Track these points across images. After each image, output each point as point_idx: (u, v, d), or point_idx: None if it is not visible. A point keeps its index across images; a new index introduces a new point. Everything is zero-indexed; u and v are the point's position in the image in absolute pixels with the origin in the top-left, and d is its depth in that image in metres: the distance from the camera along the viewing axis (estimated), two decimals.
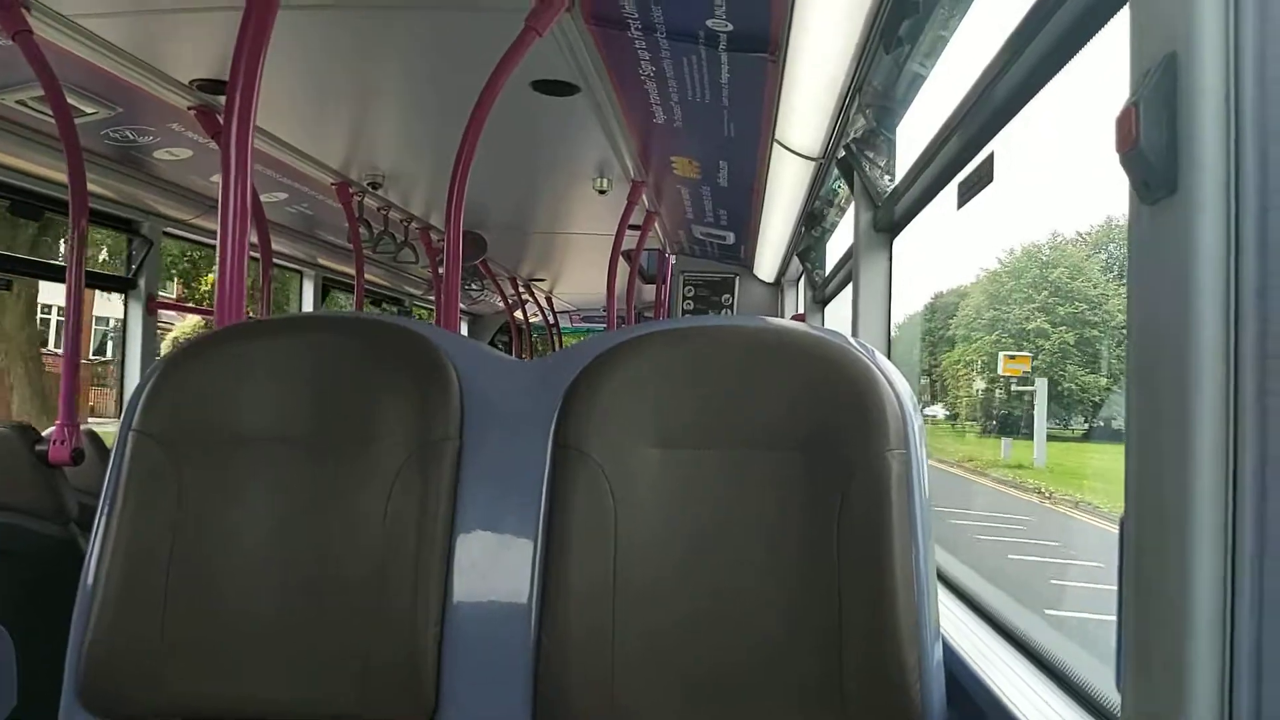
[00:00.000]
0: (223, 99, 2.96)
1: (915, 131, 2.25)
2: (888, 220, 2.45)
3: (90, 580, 1.31)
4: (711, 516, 1.30)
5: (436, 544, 1.29)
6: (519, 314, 9.34)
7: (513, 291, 8.53)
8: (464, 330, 10.26)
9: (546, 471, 1.31)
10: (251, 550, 1.33)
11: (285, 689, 1.29)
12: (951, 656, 1.37)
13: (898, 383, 1.30)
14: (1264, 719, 0.72)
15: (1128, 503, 0.84)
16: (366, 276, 4.97)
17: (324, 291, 6.01)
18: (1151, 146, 0.77)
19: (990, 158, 1.59)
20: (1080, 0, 1.15)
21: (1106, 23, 1.15)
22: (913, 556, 1.23)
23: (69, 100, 2.90)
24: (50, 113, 2.70)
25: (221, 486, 1.35)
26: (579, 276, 7.86)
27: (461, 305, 9.58)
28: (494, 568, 1.30)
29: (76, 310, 2.79)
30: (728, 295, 6.30)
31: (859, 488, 1.25)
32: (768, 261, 5.57)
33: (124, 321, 3.92)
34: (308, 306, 5.93)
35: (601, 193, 4.29)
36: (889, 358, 2.59)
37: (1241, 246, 0.73)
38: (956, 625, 1.58)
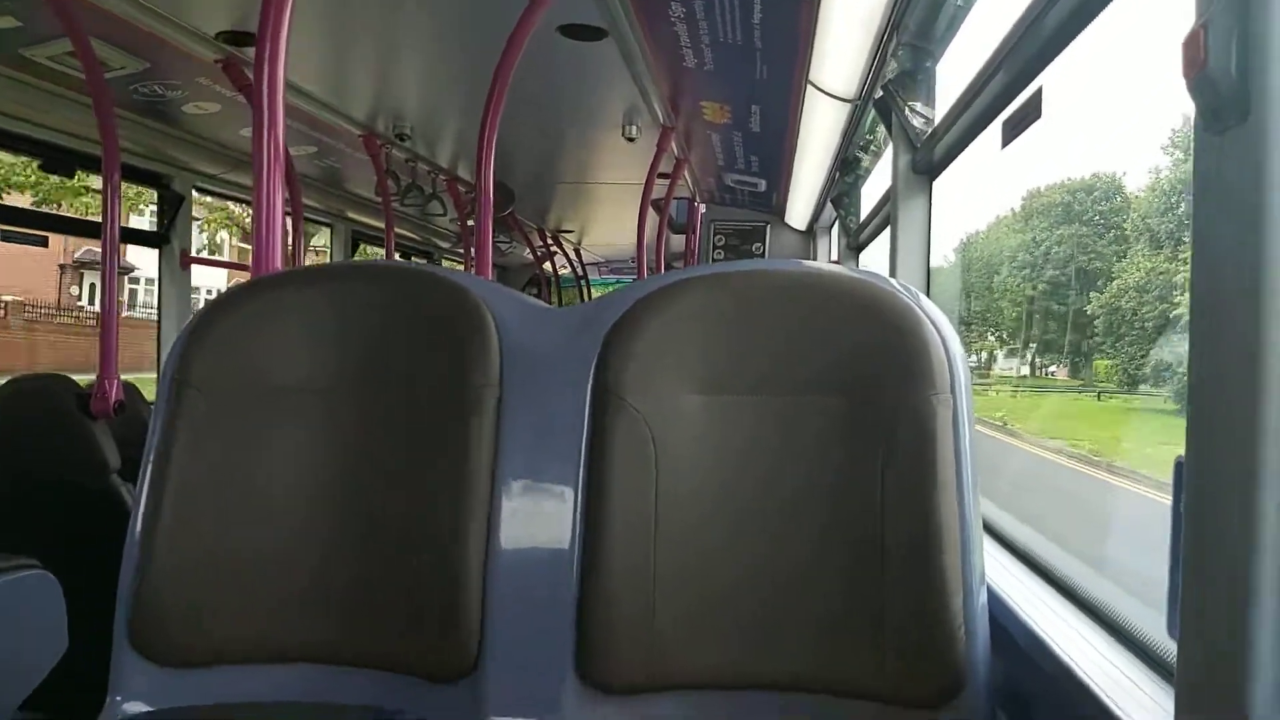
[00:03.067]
0: (247, 51, 2.94)
1: (956, 69, 2.19)
2: (927, 162, 2.39)
3: (139, 527, 1.33)
4: (753, 462, 1.29)
5: (478, 492, 1.29)
6: (547, 266, 9.32)
7: (540, 243, 8.50)
8: None
9: (586, 418, 1.31)
10: (295, 499, 1.34)
11: (329, 637, 1.30)
12: (996, 602, 1.36)
13: (943, 326, 1.28)
14: None
15: (1189, 446, 0.81)
16: (395, 230, 4.96)
17: (353, 245, 6.02)
18: (1220, 71, 0.73)
19: (1039, 92, 1.53)
20: None
21: None
22: (958, 502, 1.22)
23: (100, 54, 2.89)
24: (80, 68, 2.70)
25: (264, 435, 1.35)
26: (607, 227, 7.81)
27: None
28: (535, 515, 1.30)
29: (112, 264, 2.81)
30: (758, 244, 6.23)
31: (904, 432, 1.23)
32: (799, 209, 5.50)
33: (159, 277, 3.95)
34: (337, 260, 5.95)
35: (630, 140, 4.24)
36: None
37: None
38: (1000, 573, 1.56)
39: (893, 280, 1.33)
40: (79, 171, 3.55)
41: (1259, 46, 0.71)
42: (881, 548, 1.23)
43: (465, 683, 1.26)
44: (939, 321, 1.28)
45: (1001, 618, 1.34)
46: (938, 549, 1.20)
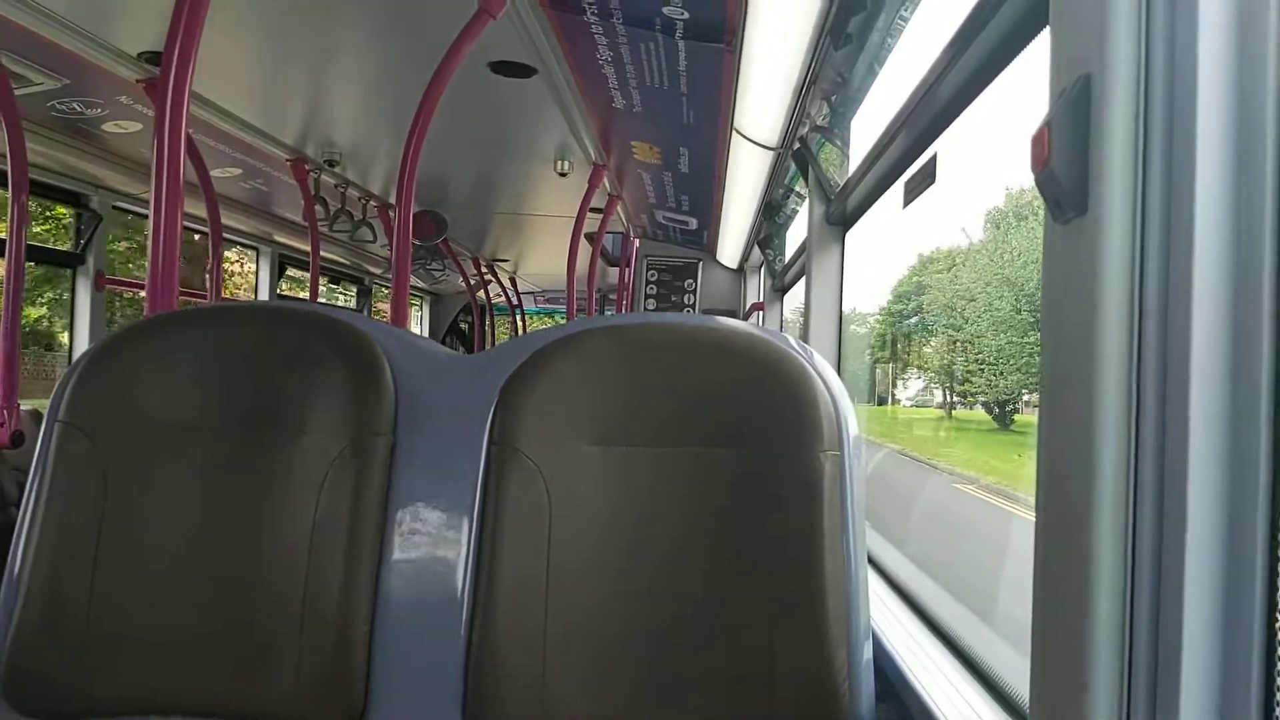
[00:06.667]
0: None
1: (868, 127, 2.26)
2: (840, 213, 2.45)
3: (15, 572, 1.28)
4: (647, 514, 1.30)
5: (367, 541, 1.28)
6: (481, 294, 9.30)
7: (475, 272, 8.47)
8: (425, 310, 10.18)
9: (481, 469, 1.30)
10: (179, 545, 1.31)
11: (212, 687, 1.27)
12: (882, 654, 1.39)
13: (833, 384, 1.31)
14: None
15: (1038, 509, 0.85)
16: (326, 254, 4.90)
17: (280, 269, 5.93)
18: (1063, 167, 0.78)
19: (934, 159, 1.59)
20: (1014, 8, 1.16)
21: (1040, 32, 1.16)
22: (843, 557, 1.24)
23: (15, 70, 2.83)
24: None
25: (149, 479, 1.32)
26: (543, 258, 7.82)
27: (424, 285, 9.52)
28: (426, 565, 1.29)
29: (17, 287, 2.73)
30: (690, 280, 6.30)
31: (792, 488, 1.26)
32: (730, 248, 5.58)
33: (72, 300, 3.84)
34: (264, 283, 5.86)
35: (562, 175, 4.28)
36: (840, 349, 2.62)
37: (1146, 268, 0.74)
38: (891, 622, 1.60)
39: (788, 338, 1.36)
40: None
41: (1097, 146, 0.76)
42: (770, 602, 1.24)
43: None
44: (830, 380, 1.31)
45: (887, 669, 1.37)
46: (822, 604, 1.22)
